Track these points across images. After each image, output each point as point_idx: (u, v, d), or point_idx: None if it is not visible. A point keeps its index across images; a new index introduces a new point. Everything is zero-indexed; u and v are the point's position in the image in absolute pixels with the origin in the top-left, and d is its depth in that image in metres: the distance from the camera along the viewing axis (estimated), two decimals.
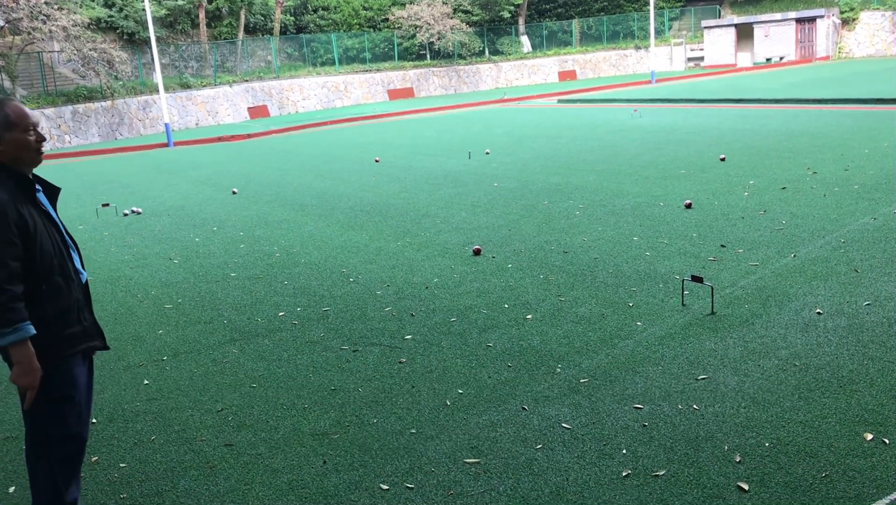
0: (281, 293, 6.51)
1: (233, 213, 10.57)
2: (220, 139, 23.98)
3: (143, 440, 4.00)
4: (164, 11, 32.21)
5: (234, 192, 12.49)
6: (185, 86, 30.95)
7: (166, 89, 27.56)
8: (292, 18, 40.50)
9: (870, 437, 3.45)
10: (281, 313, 5.96)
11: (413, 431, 3.88)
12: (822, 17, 39.12)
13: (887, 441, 3.40)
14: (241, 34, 36.19)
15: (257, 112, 32.80)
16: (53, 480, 2.94)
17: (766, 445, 3.46)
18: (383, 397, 4.29)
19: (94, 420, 4.28)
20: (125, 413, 4.37)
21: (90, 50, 26.11)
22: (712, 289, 5.33)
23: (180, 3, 32.76)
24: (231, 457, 3.76)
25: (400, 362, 4.77)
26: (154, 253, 8.51)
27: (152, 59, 24.86)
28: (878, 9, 39.42)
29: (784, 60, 39.87)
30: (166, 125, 23.55)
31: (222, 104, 31.87)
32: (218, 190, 13.02)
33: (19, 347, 2.70)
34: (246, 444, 3.89)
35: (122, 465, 3.76)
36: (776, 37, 40.51)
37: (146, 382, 4.81)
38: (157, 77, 24.34)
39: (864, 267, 5.86)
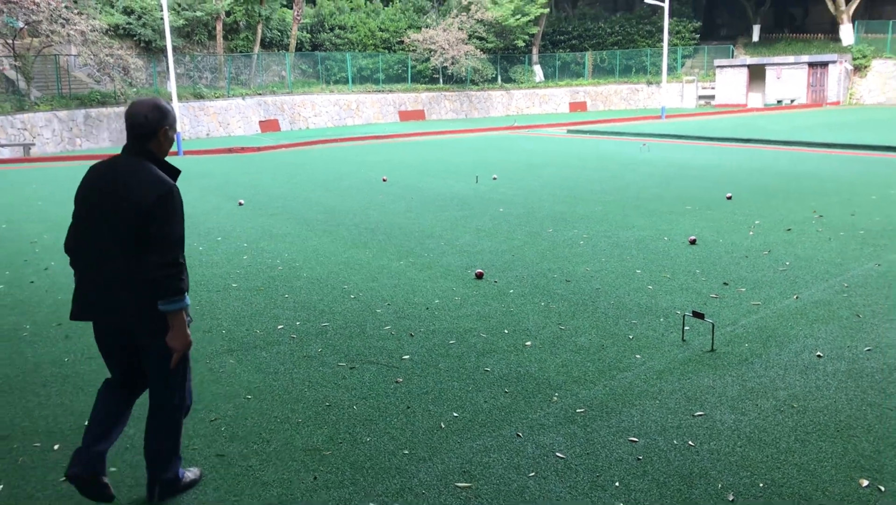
0: (281, 306, 6.51)
1: (238, 225, 10.59)
2: (230, 150, 24.09)
3: (134, 445, 3.97)
4: (181, 22, 32.50)
5: (240, 204, 12.53)
6: (199, 96, 31.16)
7: (179, 98, 27.73)
8: (308, 35, 40.85)
9: (865, 483, 3.42)
10: (280, 326, 5.95)
11: (406, 451, 3.86)
12: (834, 62, 39.35)
13: (883, 488, 3.37)
14: (256, 48, 36.49)
15: (268, 126, 32.99)
16: (178, 432, 3.42)
17: (761, 485, 3.44)
18: (378, 416, 4.27)
19: (85, 423, 4.26)
20: None
21: (106, 55, 26.35)
22: (713, 326, 5.32)
23: (198, 14, 33.07)
24: (222, 467, 3.74)
25: (396, 382, 4.75)
26: None
27: (167, 67, 25.07)
28: (890, 57, 39.66)
29: (795, 103, 40.05)
30: (177, 134, 23.69)
31: (234, 116, 32.07)
32: (225, 200, 13.06)
33: (180, 314, 3.14)
34: (237, 455, 3.86)
35: (112, 469, 3.74)
36: (788, 79, 40.73)
37: None
38: (172, 86, 24.51)
39: (866, 312, 5.84)
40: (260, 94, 34.07)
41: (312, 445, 3.95)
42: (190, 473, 3.57)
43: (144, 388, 3.45)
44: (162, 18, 26.50)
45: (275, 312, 6.36)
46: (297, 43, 39.10)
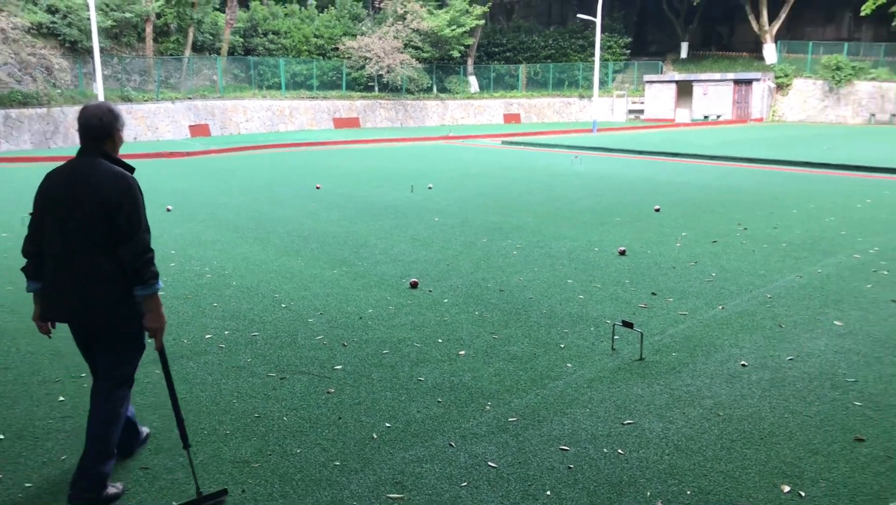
0: (209, 315, 6.36)
1: (165, 231, 10.33)
2: (158, 155, 23.53)
3: (52, 459, 3.82)
4: (109, 22, 31.62)
5: (168, 210, 12.24)
6: (127, 99, 30.35)
7: (107, 101, 26.94)
8: (241, 40, 40.25)
9: (787, 489, 3.52)
10: (208, 336, 5.82)
11: (337, 463, 3.80)
12: (758, 80, 40.77)
13: (803, 494, 3.47)
14: (187, 51, 35.76)
15: (198, 130, 32.34)
16: (125, 402, 3.57)
17: (688, 493, 3.50)
18: (308, 428, 4.20)
19: (1, 436, 4.08)
20: (36, 430, 4.18)
21: (29, 55, 25.44)
22: (642, 335, 5.41)
23: (127, 15, 32.24)
24: (146, 481, 3.63)
25: (328, 392, 4.69)
26: None
27: (94, 69, 24.33)
28: (810, 77, 41.27)
29: (720, 119, 41.30)
30: None
31: (163, 120, 31.33)
32: (151, 207, 12.73)
33: (156, 297, 3.41)
34: (163, 468, 3.75)
35: (27, 484, 3.58)
36: (714, 96, 41.99)
37: (62, 398, 4.62)
38: (98, 88, 23.83)
39: (789, 323, 6.03)
40: (190, 99, 33.38)
41: (241, 458, 3.86)
42: (114, 487, 3.51)
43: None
44: (89, 18, 25.73)
45: (203, 321, 6.21)
46: (229, 47, 38.46)
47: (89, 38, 26.22)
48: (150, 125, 30.73)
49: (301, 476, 3.67)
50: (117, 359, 3.52)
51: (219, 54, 37.81)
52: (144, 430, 4.02)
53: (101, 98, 23.79)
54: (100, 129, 3.41)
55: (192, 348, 5.53)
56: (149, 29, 33.82)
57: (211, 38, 38.72)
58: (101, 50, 25.83)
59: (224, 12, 38.10)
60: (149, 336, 3.51)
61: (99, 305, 3.34)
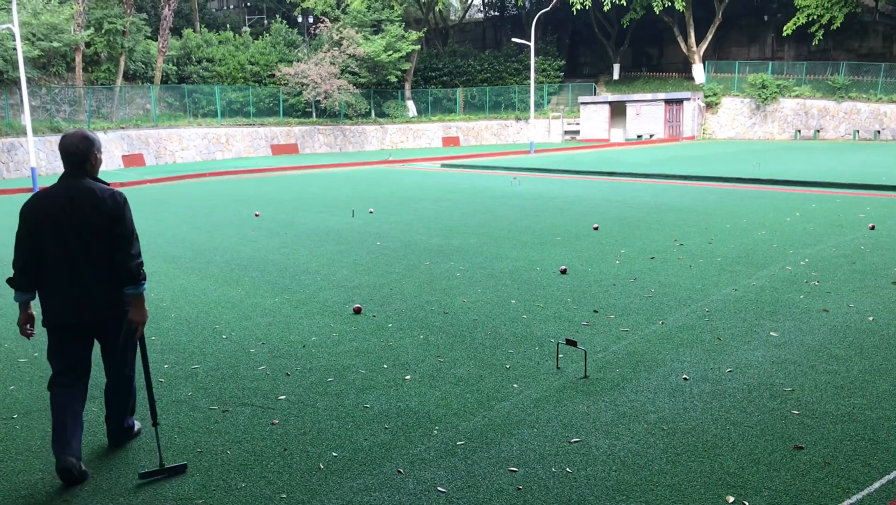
0: (148, 349, 6.19)
1: None
2: None
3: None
4: (37, 52, 30.86)
5: None
6: (56, 129, 29.61)
7: (35, 132, 26.21)
8: (175, 68, 39.76)
9: (731, 499, 3.57)
10: None
11: (284, 495, 3.73)
12: (688, 99, 41.95)
13: (747, 503, 3.53)
14: (119, 80, 35.17)
15: (132, 160, 31.73)
16: (133, 394, 4.38)
17: None
18: (253, 460, 4.11)
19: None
20: None
21: None
22: (585, 353, 5.46)
23: (55, 45, 31.52)
24: None
25: (272, 424, 4.60)
26: (10, 303, 7.95)
27: (21, 100, 23.66)
28: (737, 95, 42.66)
29: (653, 138, 42.30)
30: (32, 169, 22.29)
31: None
32: None
33: (142, 296, 4.06)
34: None
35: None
36: (647, 116, 43.03)
37: None
38: (26, 119, 23.13)
39: (727, 335, 6.16)
40: (123, 128, 32.76)
41: (184, 495, 3.76)
42: (137, 424, 4.51)
43: (87, 380, 4.17)
44: (14, 48, 25.06)
45: None
46: (162, 75, 37.96)
47: (15, 68, 25.50)
48: None
49: None
50: (123, 348, 4.19)
51: (152, 83, 37.28)
52: (137, 424, 4.53)
53: (28, 129, 23.12)
54: (78, 154, 3.94)
55: None
56: (78, 58, 33.17)
57: (143, 66, 38.16)
58: (28, 80, 25.14)
59: (156, 40, 37.59)
60: (133, 325, 4.09)
61: (100, 302, 3.98)
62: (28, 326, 4.06)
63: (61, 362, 4.06)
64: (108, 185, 4.03)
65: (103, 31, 33.68)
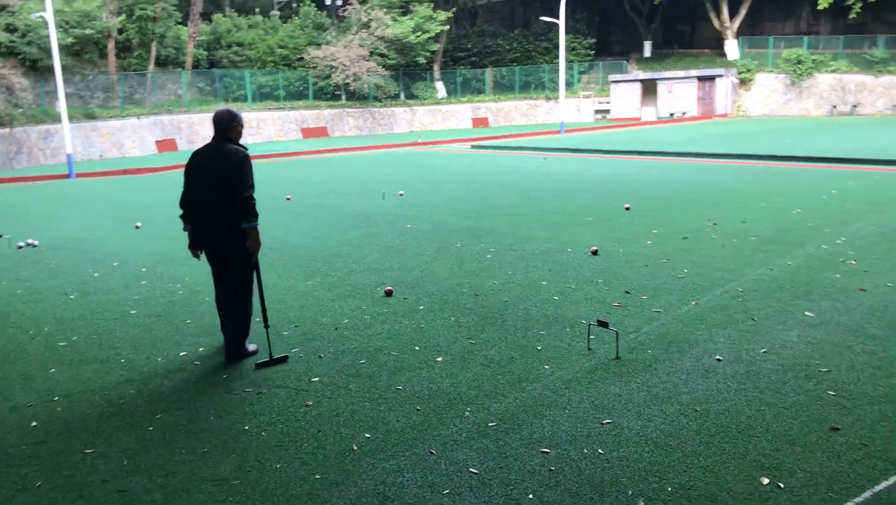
0: (183, 332, 6.30)
1: (135, 249, 10.22)
2: (125, 172, 23.28)
3: (27, 486, 3.75)
4: (70, 40, 31.22)
5: (137, 227, 12.11)
6: (91, 116, 30.03)
7: (70, 119, 26.58)
8: (205, 53, 39.99)
9: (766, 481, 3.55)
10: (182, 353, 5.76)
11: (317, 476, 3.78)
12: (721, 76, 41.27)
13: (782, 485, 3.51)
14: (151, 66, 35.47)
15: (165, 146, 32.07)
16: (249, 308, 5.54)
17: (669, 489, 3.52)
18: (287, 442, 4.17)
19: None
20: (9, 457, 4.10)
21: None
22: (617, 334, 5.44)
23: (88, 32, 31.86)
24: (123, 504, 3.57)
25: (306, 406, 4.66)
26: (49, 288, 8.11)
27: (56, 87, 24.00)
28: (772, 71, 41.88)
29: (686, 116, 41.74)
30: (68, 156, 22.70)
31: (129, 136, 31.04)
32: (120, 224, 12.60)
33: (255, 229, 5.29)
34: (141, 490, 3.70)
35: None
36: (679, 93, 42.43)
37: (34, 423, 4.54)
38: (61, 106, 23.49)
39: (761, 316, 6.09)
40: (156, 114, 33.10)
41: (220, 475, 3.82)
42: (251, 346, 5.62)
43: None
44: (48, 36, 25.37)
45: (176, 338, 6.15)
46: (193, 60, 38.20)
47: (50, 56, 25.82)
48: (115, 142, 30.42)
49: (282, 491, 3.64)
50: (238, 268, 5.37)
51: (183, 68, 37.55)
52: (253, 346, 5.66)
53: (63, 116, 23.45)
54: (223, 123, 5.31)
55: (166, 366, 5.47)
56: (111, 45, 33.51)
57: (174, 52, 38.43)
58: (63, 68, 25.43)
59: (187, 26, 37.83)
60: (250, 251, 5.29)
61: (226, 234, 5.25)
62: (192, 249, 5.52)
63: (214, 278, 5.60)
64: (244, 147, 5.31)
65: (135, 17, 33.96)
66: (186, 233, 5.46)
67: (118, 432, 4.37)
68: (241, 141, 5.50)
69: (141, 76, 35.26)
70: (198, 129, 34.22)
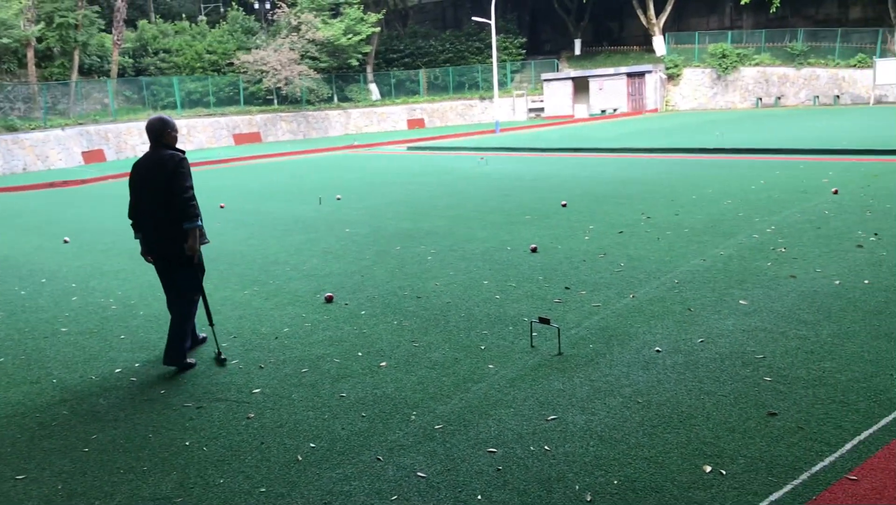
0: (118, 348, 6.12)
1: (64, 264, 9.89)
2: (50, 185, 22.54)
3: None
4: None
5: (65, 241, 11.73)
6: (11, 128, 29.00)
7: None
8: (131, 60, 39.05)
9: (709, 469, 3.61)
10: (117, 370, 5.59)
11: (262, 489, 3.70)
12: (650, 72, 42.11)
13: (724, 472, 3.57)
14: (74, 75, 34.44)
15: (93, 156, 31.18)
16: (192, 311, 5.63)
17: (615, 482, 3.55)
18: (230, 456, 4.08)
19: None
20: None
21: None
22: (559, 330, 5.48)
23: (5, 41, 30.75)
24: None
25: (248, 418, 4.57)
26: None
27: None
28: (698, 66, 42.91)
29: (617, 112, 42.46)
30: None
31: (53, 148, 30.07)
32: (48, 239, 12.19)
33: (196, 229, 5.35)
34: None
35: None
36: (609, 90, 43.14)
37: None
38: None
39: (697, 306, 6.22)
40: (81, 124, 32.14)
41: (161, 494, 3.72)
42: (191, 360, 5.63)
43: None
44: None
45: (111, 354, 5.97)
46: (119, 68, 37.24)
47: None
48: (39, 154, 29.44)
49: None
50: (184, 274, 5.49)
51: (108, 76, 36.57)
52: (202, 334, 6.05)
53: None
54: (154, 131, 5.43)
55: (101, 385, 5.30)
56: (30, 54, 32.41)
57: (99, 60, 37.43)
58: None
59: (111, 33, 36.85)
60: (188, 252, 5.36)
61: (171, 240, 5.38)
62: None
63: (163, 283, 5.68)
64: (181, 151, 5.42)
65: (55, 25, 32.90)
66: (138, 241, 5.68)
67: (52, 456, 4.21)
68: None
69: (64, 85, 34.21)
70: (126, 139, 33.37)
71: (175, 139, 5.53)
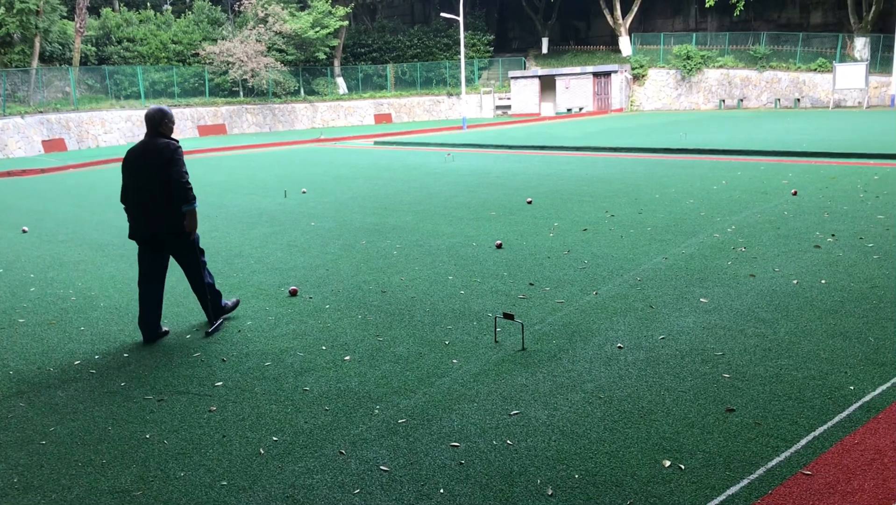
0: (77, 340, 6.03)
1: (22, 254, 9.71)
2: (9, 174, 22.09)
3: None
4: None
5: (24, 231, 11.51)
6: None
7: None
8: (94, 49, 38.37)
9: (668, 463, 3.67)
10: (77, 362, 5.51)
11: (224, 483, 3.68)
12: (616, 72, 42.48)
13: (683, 467, 3.63)
14: (35, 62, 33.74)
15: (53, 146, 30.61)
16: (204, 269, 6.07)
17: (576, 476, 3.59)
18: (191, 449, 4.04)
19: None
20: None
21: None
22: (522, 326, 5.52)
23: None
24: None
25: (210, 411, 4.53)
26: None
27: None
28: (663, 67, 43.39)
29: (583, 111, 42.76)
30: None
31: (12, 136, 29.46)
32: (5, 229, 11.95)
33: (194, 211, 5.80)
34: None
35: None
36: (576, 89, 43.43)
37: None
38: None
39: (659, 303, 6.30)
40: (41, 112, 31.53)
41: (120, 487, 3.68)
42: (231, 300, 6.52)
43: (163, 279, 6.02)
44: None
45: (70, 346, 5.88)
46: (81, 57, 36.57)
47: None
48: None
49: (187, 500, 3.53)
50: (183, 251, 5.95)
51: (70, 64, 35.90)
52: (164, 328, 6.09)
53: None
54: (153, 121, 5.76)
55: (59, 377, 5.22)
56: None
57: (60, 47, 36.71)
58: None
59: (73, 20, 36.16)
60: (187, 230, 5.78)
61: (162, 219, 5.76)
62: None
63: (141, 266, 5.97)
64: (175, 140, 5.76)
65: (15, 10, 32.15)
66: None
67: (7, 449, 4.14)
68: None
69: (24, 73, 33.52)
70: (87, 129, 32.82)
71: (171, 129, 5.85)
